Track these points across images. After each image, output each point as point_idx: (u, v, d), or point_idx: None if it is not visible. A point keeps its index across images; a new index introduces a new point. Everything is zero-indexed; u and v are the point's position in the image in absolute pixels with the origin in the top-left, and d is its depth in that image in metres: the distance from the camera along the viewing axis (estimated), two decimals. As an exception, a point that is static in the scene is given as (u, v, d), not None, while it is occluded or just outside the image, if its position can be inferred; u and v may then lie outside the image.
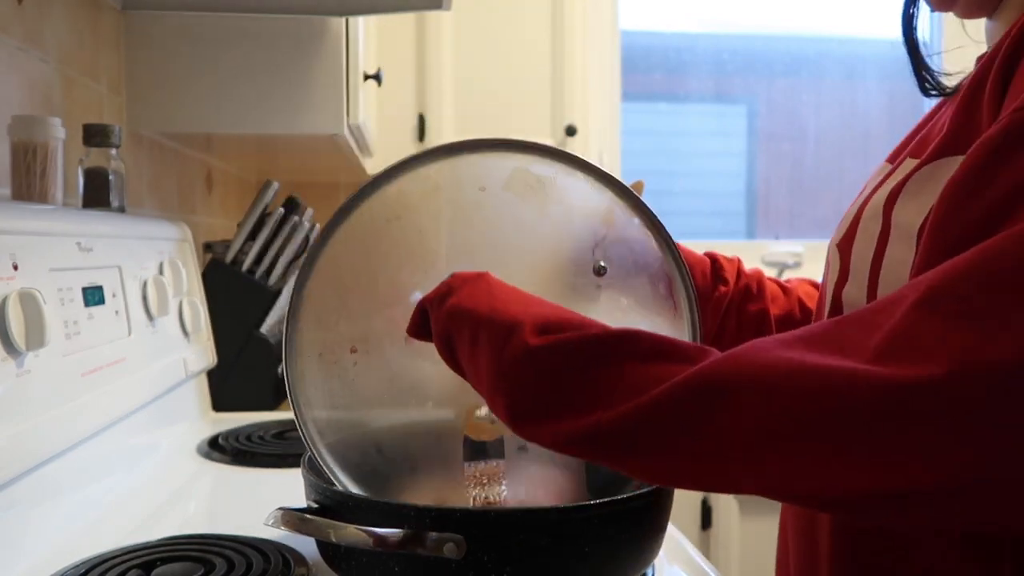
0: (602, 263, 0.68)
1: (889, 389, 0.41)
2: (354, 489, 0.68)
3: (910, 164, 0.59)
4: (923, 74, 0.67)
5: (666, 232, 0.68)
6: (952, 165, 0.52)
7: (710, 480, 0.49)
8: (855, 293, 0.60)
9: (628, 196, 0.68)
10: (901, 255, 0.56)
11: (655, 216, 0.68)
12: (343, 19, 1.35)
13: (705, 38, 2.60)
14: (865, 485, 0.43)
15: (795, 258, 2.36)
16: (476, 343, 0.56)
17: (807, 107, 2.69)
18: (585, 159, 0.68)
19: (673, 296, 0.69)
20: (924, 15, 0.68)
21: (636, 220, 0.68)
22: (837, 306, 0.63)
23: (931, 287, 0.43)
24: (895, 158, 0.65)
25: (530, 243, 0.69)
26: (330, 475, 0.68)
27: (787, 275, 2.21)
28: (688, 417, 0.46)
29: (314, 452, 0.68)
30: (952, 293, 0.43)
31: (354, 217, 0.68)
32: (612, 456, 0.50)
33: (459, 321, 0.58)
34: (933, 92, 0.66)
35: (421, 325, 0.62)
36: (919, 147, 0.60)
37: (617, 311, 0.68)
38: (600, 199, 0.68)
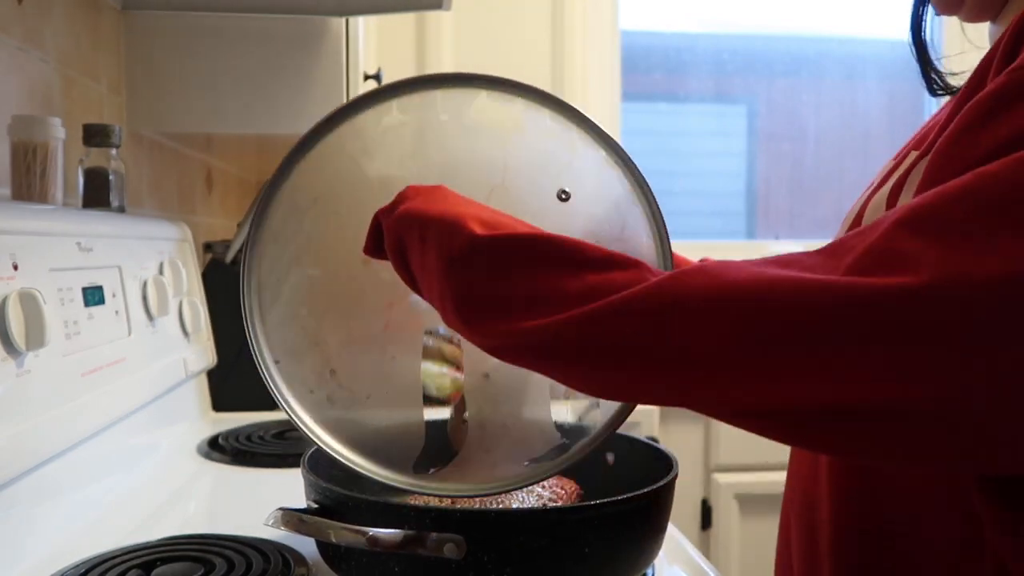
0: (566, 189, 0.66)
1: (863, 295, 0.40)
2: (307, 419, 0.67)
3: (912, 157, 0.59)
4: (931, 75, 0.67)
5: (634, 164, 0.66)
6: None
7: (660, 393, 0.48)
8: None
9: (594, 129, 0.66)
10: None
11: (623, 150, 0.66)
12: (343, 19, 1.35)
13: (705, 38, 2.60)
14: (829, 398, 0.41)
15: (795, 258, 2.36)
16: (425, 243, 0.55)
17: (807, 107, 2.69)
18: (549, 92, 0.67)
19: (641, 228, 0.67)
20: (930, 18, 0.68)
21: (602, 152, 0.66)
22: None
23: (913, 209, 0.42)
24: (898, 155, 0.66)
25: (491, 171, 0.67)
26: (283, 404, 0.67)
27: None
28: (645, 327, 0.45)
29: (270, 382, 0.67)
30: (937, 214, 0.42)
31: (315, 151, 0.67)
32: (559, 364, 0.50)
33: (409, 224, 0.57)
34: (941, 92, 0.66)
35: (376, 241, 0.61)
36: (921, 142, 0.61)
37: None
38: (565, 133, 0.67)
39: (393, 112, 0.68)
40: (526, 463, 0.66)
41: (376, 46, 1.87)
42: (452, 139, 0.68)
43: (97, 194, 1.00)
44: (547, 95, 0.66)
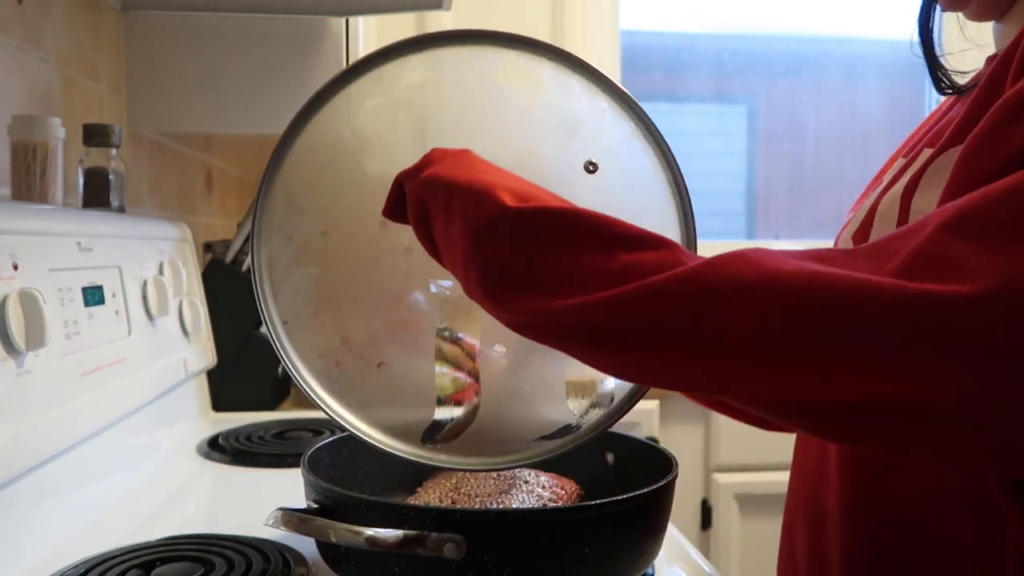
0: (593, 160, 0.64)
1: (916, 300, 0.39)
2: (314, 384, 0.66)
3: (927, 154, 0.58)
4: (938, 73, 0.66)
5: (663, 139, 0.65)
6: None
7: (692, 379, 0.47)
8: None
9: (624, 98, 0.65)
10: None
11: (653, 123, 0.65)
12: (343, 19, 1.35)
13: (705, 38, 2.60)
14: (874, 396, 0.41)
15: (795, 258, 2.36)
16: (450, 211, 0.53)
17: (807, 107, 2.69)
18: (581, 58, 0.65)
19: (667, 204, 0.66)
20: (937, 16, 0.68)
21: (632, 126, 0.65)
22: None
23: (959, 211, 0.42)
24: (909, 153, 0.65)
25: (516, 135, 0.65)
26: (290, 367, 0.66)
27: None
28: (682, 311, 0.44)
29: (279, 347, 0.66)
30: (984, 217, 0.41)
31: (331, 105, 0.66)
32: (587, 345, 0.48)
33: (434, 190, 0.55)
34: (948, 91, 0.66)
35: (397, 204, 0.59)
36: (935, 139, 0.60)
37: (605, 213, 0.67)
38: (594, 100, 0.65)
39: (418, 68, 0.66)
40: (535, 440, 0.66)
41: (376, 46, 1.87)
42: (478, 100, 0.66)
43: (97, 194, 1.00)
44: (579, 60, 0.64)
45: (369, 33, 1.66)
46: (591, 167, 0.64)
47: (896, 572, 0.59)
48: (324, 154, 0.66)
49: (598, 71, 0.65)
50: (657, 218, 0.65)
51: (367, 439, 0.67)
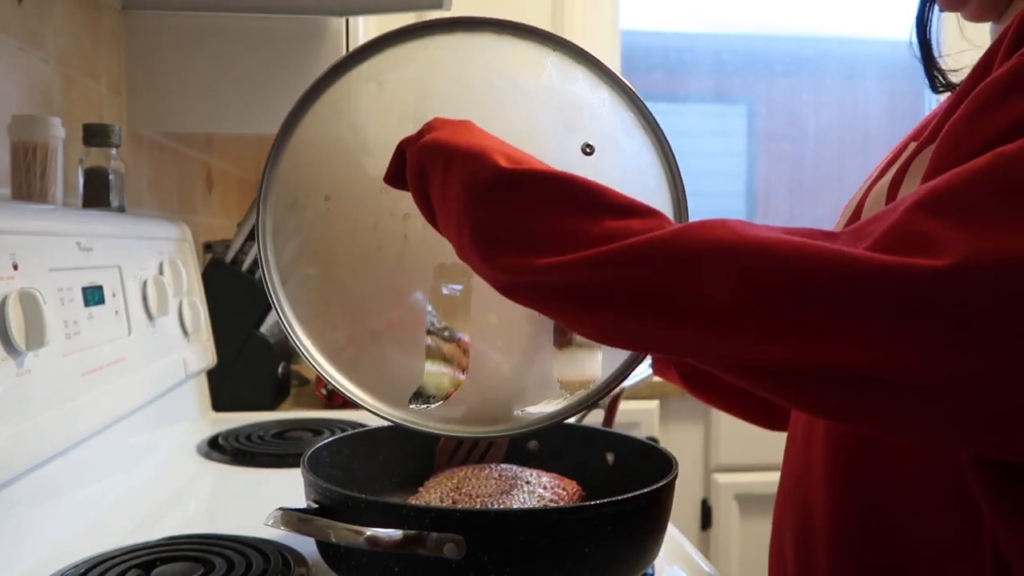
0: (590, 143, 0.66)
1: (889, 272, 0.40)
2: (311, 347, 0.68)
3: (912, 148, 0.59)
4: (933, 72, 0.67)
5: (661, 130, 0.67)
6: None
7: (668, 341, 0.48)
8: None
9: (625, 90, 0.67)
10: None
11: (650, 113, 0.67)
12: (343, 19, 1.35)
13: (705, 38, 2.60)
14: (842, 365, 0.42)
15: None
16: (448, 174, 0.55)
17: (807, 107, 2.69)
18: (584, 49, 0.67)
19: (661, 193, 0.68)
20: (935, 16, 0.68)
21: (632, 117, 0.67)
22: None
23: (933, 190, 0.42)
24: (898, 149, 0.66)
25: (518, 116, 0.67)
26: (285, 324, 0.68)
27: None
28: (660, 273, 0.45)
29: (275, 303, 0.68)
30: (957, 194, 0.42)
31: (338, 84, 0.68)
32: (569, 304, 0.50)
33: (433, 153, 0.57)
34: (943, 89, 0.67)
35: (398, 170, 0.61)
36: (920, 133, 0.61)
37: None
38: (595, 90, 0.67)
39: (420, 54, 0.68)
40: (520, 411, 0.68)
41: (376, 46, 1.87)
42: (481, 80, 0.68)
43: (97, 194, 1.00)
44: (583, 51, 0.66)
45: (369, 33, 1.66)
46: (588, 149, 0.66)
47: (883, 567, 0.60)
48: (324, 144, 0.68)
49: (600, 62, 0.66)
50: (650, 200, 0.67)
51: (358, 401, 0.69)
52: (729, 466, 1.96)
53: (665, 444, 0.78)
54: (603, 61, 0.67)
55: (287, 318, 0.69)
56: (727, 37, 2.62)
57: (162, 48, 1.31)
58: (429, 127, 0.60)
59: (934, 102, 2.52)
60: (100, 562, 0.66)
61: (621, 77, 0.67)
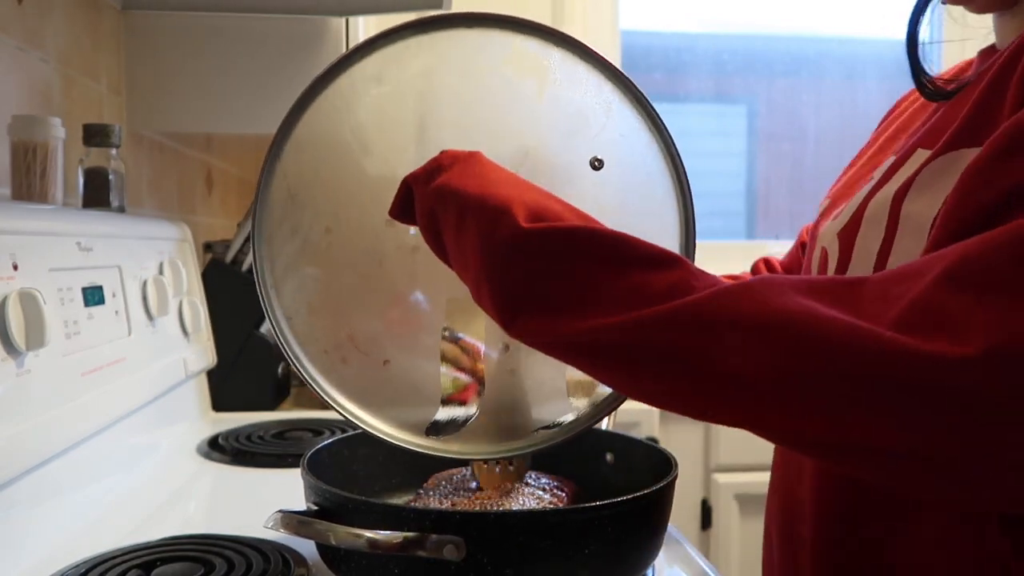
0: (599, 157, 0.64)
1: (916, 359, 0.40)
2: (317, 376, 0.67)
3: (922, 156, 0.58)
4: (923, 80, 0.67)
5: (668, 133, 0.65)
6: (967, 157, 0.52)
7: (695, 406, 0.48)
8: None
9: (631, 90, 0.65)
10: (910, 248, 0.55)
11: (658, 116, 0.65)
12: (343, 19, 1.35)
13: (705, 38, 2.60)
14: (864, 441, 0.42)
15: (795, 258, 2.36)
16: (463, 224, 0.53)
17: (807, 107, 2.69)
18: (588, 46, 0.64)
19: (669, 199, 0.66)
20: (927, 19, 0.67)
21: (637, 117, 0.65)
22: None
23: (959, 260, 0.42)
24: (902, 152, 0.64)
25: (523, 128, 0.65)
26: (295, 363, 0.66)
27: (787, 275, 2.21)
28: (690, 342, 0.45)
29: (283, 343, 0.66)
30: (982, 267, 0.41)
31: (332, 89, 0.65)
32: (599, 366, 0.49)
33: (446, 200, 0.55)
34: (935, 97, 0.66)
35: (404, 205, 0.59)
36: (930, 139, 0.59)
37: (609, 209, 0.63)
38: (600, 90, 0.65)
39: (421, 53, 0.65)
40: (536, 431, 0.68)
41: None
42: (484, 89, 0.65)
43: (97, 194, 1.00)
44: (586, 48, 0.64)
45: (369, 33, 1.66)
46: (597, 163, 0.64)
47: (867, 569, 0.60)
48: (323, 145, 0.66)
49: (605, 59, 0.65)
50: (659, 212, 0.65)
51: (373, 432, 0.67)
52: (729, 466, 1.96)
53: (665, 444, 0.78)
54: (608, 58, 0.65)
55: (296, 356, 0.66)
56: (727, 37, 2.62)
57: (162, 48, 1.30)
58: (437, 165, 0.57)
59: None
60: (100, 562, 0.66)
61: (626, 75, 0.65)
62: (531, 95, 0.65)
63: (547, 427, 0.68)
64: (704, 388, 0.46)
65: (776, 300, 0.44)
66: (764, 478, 2.03)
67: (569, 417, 0.68)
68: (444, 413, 0.68)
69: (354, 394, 0.68)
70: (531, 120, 0.65)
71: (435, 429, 0.67)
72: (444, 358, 0.67)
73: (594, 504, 0.59)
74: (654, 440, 0.95)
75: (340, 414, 0.67)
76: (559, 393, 0.67)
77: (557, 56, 0.65)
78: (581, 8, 2.25)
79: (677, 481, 0.67)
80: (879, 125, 0.78)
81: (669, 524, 0.69)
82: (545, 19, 2.24)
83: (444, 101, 0.66)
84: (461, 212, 0.54)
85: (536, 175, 0.59)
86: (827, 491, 0.62)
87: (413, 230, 0.62)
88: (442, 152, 0.58)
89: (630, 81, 0.65)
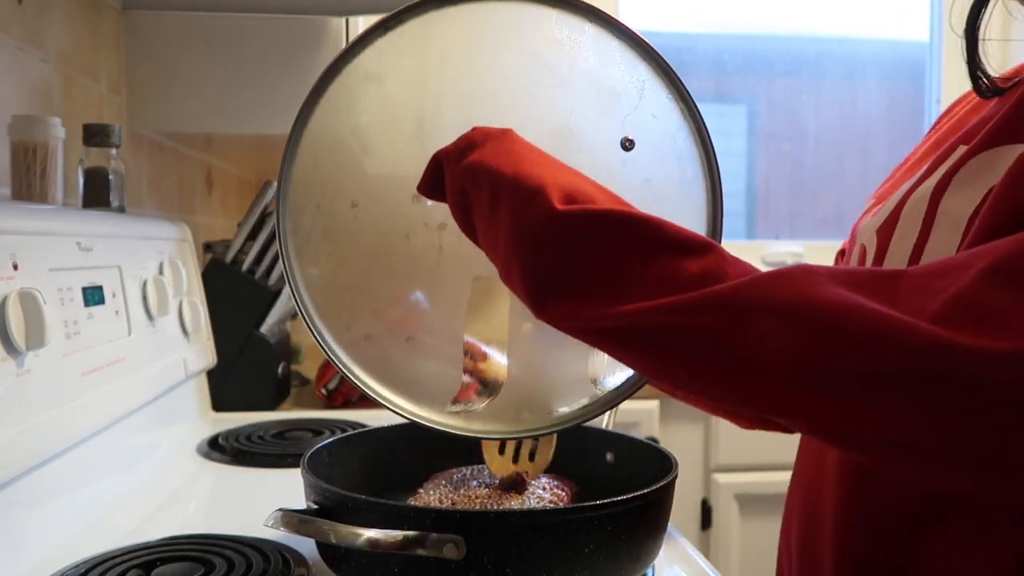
0: (630, 137, 0.63)
1: (956, 352, 0.39)
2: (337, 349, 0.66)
3: (961, 152, 0.57)
4: (978, 76, 0.63)
5: (700, 114, 0.64)
6: (1008, 153, 0.51)
7: (727, 394, 0.48)
8: None
9: (665, 70, 0.63)
10: (945, 243, 0.54)
11: (690, 97, 0.64)
12: (343, 19, 1.35)
13: (705, 38, 2.60)
14: (896, 436, 0.42)
15: (795, 258, 2.36)
16: (496, 204, 0.52)
17: (807, 107, 2.69)
18: (622, 23, 0.63)
19: (698, 183, 0.65)
20: (988, 13, 0.63)
21: (670, 98, 0.63)
22: None
23: (1003, 255, 0.42)
24: (939, 146, 0.62)
25: (554, 105, 0.63)
26: (317, 337, 0.66)
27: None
28: (726, 328, 0.44)
29: (305, 317, 0.65)
30: None
31: (359, 61, 0.64)
32: (628, 351, 0.49)
33: (479, 178, 0.54)
34: (989, 93, 0.63)
35: (434, 182, 0.58)
36: (969, 136, 0.58)
37: (638, 190, 0.62)
38: (634, 68, 0.63)
39: (454, 25, 0.63)
40: (556, 411, 0.67)
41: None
42: (517, 65, 0.64)
43: (97, 194, 1.00)
44: (620, 24, 0.63)
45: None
46: (628, 144, 0.63)
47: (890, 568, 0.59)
48: (352, 117, 0.65)
49: (639, 36, 0.63)
50: (687, 194, 0.65)
51: (394, 409, 0.67)
52: (729, 466, 1.96)
53: (665, 444, 0.78)
54: (642, 36, 0.63)
55: (318, 330, 0.66)
56: (727, 37, 2.62)
57: (162, 48, 1.31)
58: (469, 142, 0.56)
59: (934, 102, 2.52)
60: (100, 562, 0.66)
61: (660, 54, 0.63)
62: (563, 71, 0.64)
63: (567, 409, 0.68)
64: (736, 375, 0.45)
65: (813, 289, 0.43)
66: (764, 478, 2.03)
67: (589, 399, 0.68)
68: (465, 393, 0.67)
69: (376, 370, 0.67)
70: (562, 97, 0.64)
71: (455, 406, 0.67)
72: (468, 337, 0.67)
73: (594, 504, 0.59)
74: (654, 440, 0.95)
75: (360, 389, 0.67)
76: (581, 375, 0.67)
77: (590, 32, 0.63)
78: (581, 8, 2.25)
79: (677, 481, 0.67)
80: (930, 129, 0.77)
81: (669, 524, 0.69)
82: (545, 19, 2.24)
83: (475, 75, 0.64)
84: (494, 191, 0.53)
85: (566, 154, 0.58)
86: (849, 497, 0.61)
87: (440, 210, 0.61)
88: (474, 128, 0.57)
89: (664, 60, 0.63)
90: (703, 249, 0.49)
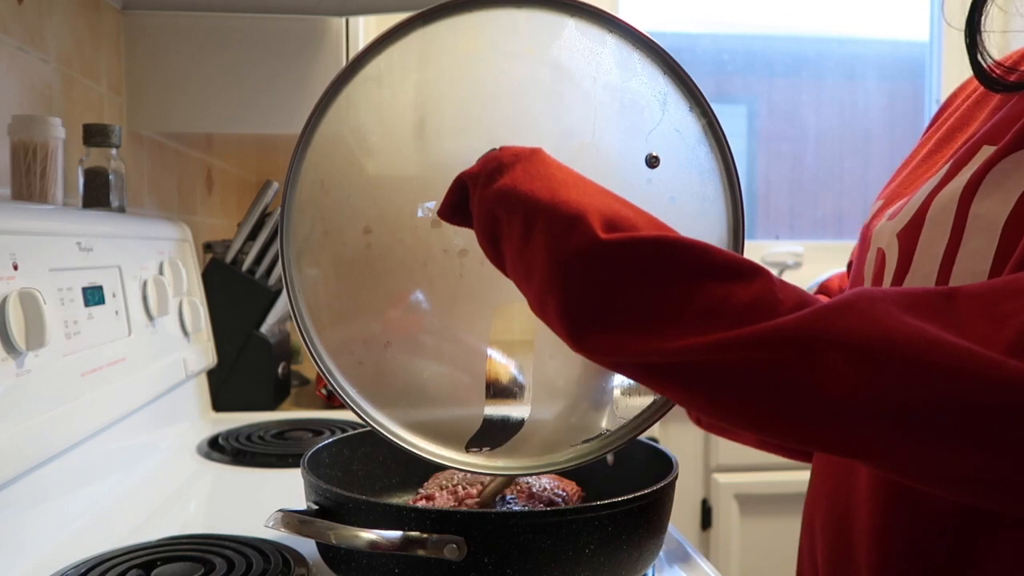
0: (655, 154, 0.60)
1: None
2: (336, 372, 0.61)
3: (987, 153, 0.55)
4: (984, 70, 0.60)
5: (721, 128, 0.61)
6: None
7: (797, 433, 0.45)
8: (920, 286, 0.56)
9: (685, 81, 0.61)
10: (980, 248, 0.52)
11: (711, 109, 0.61)
12: (343, 19, 1.35)
13: (705, 38, 2.60)
14: (988, 473, 0.40)
15: (795, 258, 2.36)
16: (531, 231, 0.49)
17: (807, 107, 2.69)
18: (643, 32, 0.60)
19: (719, 199, 0.62)
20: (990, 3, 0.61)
21: (691, 110, 0.61)
22: None
23: None
24: (961, 146, 0.60)
25: (577, 120, 0.60)
26: (327, 375, 0.61)
27: (787, 275, 2.21)
28: (796, 367, 0.42)
29: (311, 347, 0.61)
30: None
31: (368, 70, 0.59)
32: (682, 387, 0.46)
33: (511, 204, 0.50)
34: (1000, 88, 0.60)
35: (457, 206, 0.55)
36: (995, 135, 0.56)
37: (664, 209, 0.58)
38: (656, 81, 0.61)
39: (471, 34, 0.59)
40: (579, 443, 0.64)
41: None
42: (539, 77, 0.61)
43: (97, 194, 1.00)
44: (640, 34, 0.60)
45: (369, 33, 1.66)
46: (653, 161, 0.61)
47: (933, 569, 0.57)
48: (359, 137, 0.60)
49: (660, 47, 0.61)
50: (709, 212, 0.62)
51: (412, 449, 0.63)
52: (729, 466, 1.96)
53: (665, 444, 0.78)
54: (662, 46, 0.61)
55: (327, 367, 0.62)
56: (727, 37, 2.62)
57: (162, 48, 1.31)
58: (497, 163, 0.52)
59: (934, 103, 2.52)
60: (100, 562, 0.66)
61: (681, 66, 0.61)
62: (587, 84, 0.60)
63: (590, 439, 0.64)
64: (805, 413, 0.43)
65: (884, 320, 0.41)
66: (764, 478, 2.03)
67: (613, 427, 0.64)
68: (486, 426, 0.64)
69: (394, 410, 0.63)
70: (585, 111, 0.61)
71: (476, 442, 0.64)
72: (489, 369, 0.63)
73: (594, 504, 0.59)
74: (654, 440, 0.95)
75: (381, 435, 0.63)
76: (604, 404, 0.64)
77: (611, 43, 0.60)
78: (581, 8, 2.25)
79: (677, 481, 0.67)
80: (930, 125, 0.75)
81: (669, 524, 0.69)
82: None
83: (492, 89, 0.61)
84: (529, 218, 0.50)
85: (592, 172, 0.55)
86: (888, 514, 0.58)
87: (462, 236, 0.57)
88: (502, 149, 0.54)
89: (684, 71, 0.61)
90: (752, 274, 0.46)
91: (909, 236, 0.59)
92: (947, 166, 0.59)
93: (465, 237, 0.57)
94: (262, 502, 0.67)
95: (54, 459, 0.72)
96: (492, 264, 0.54)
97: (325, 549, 0.64)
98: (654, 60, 0.61)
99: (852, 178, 2.64)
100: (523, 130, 0.59)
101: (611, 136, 0.61)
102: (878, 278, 0.62)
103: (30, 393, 0.68)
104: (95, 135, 1.00)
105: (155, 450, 0.99)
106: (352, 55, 0.60)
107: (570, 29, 0.60)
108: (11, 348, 0.65)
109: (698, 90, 0.61)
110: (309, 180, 0.61)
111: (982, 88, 0.65)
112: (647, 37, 0.60)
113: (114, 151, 1.01)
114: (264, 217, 1.40)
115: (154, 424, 1.00)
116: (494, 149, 0.56)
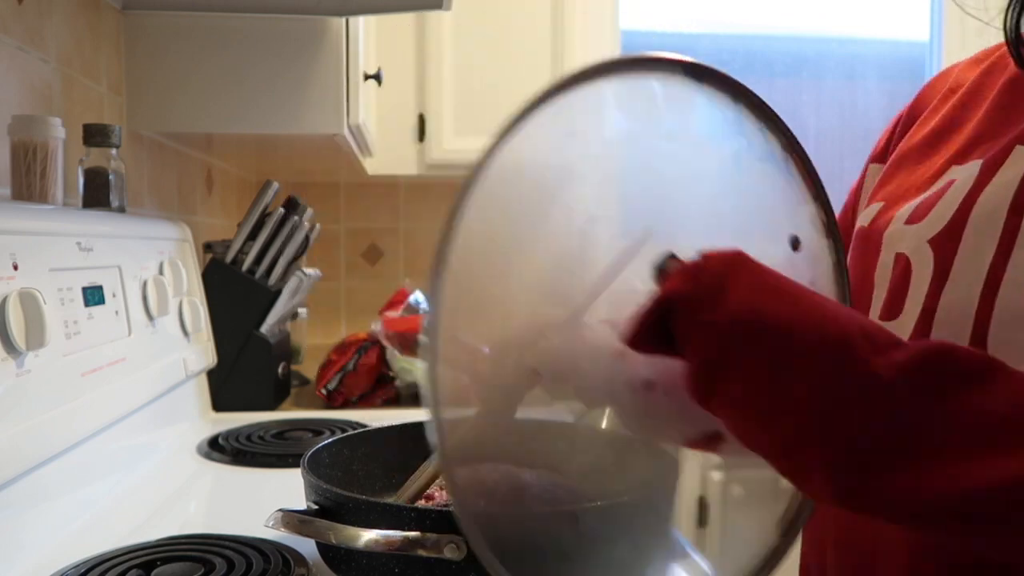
0: (796, 236, 0.53)
1: None
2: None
3: (1022, 152, 0.52)
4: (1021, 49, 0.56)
5: (827, 199, 0.55)
6: None
7: None
8: (962, 298, 0.53)
9: (804, 162, 0.55)
10: None
11: (821, 183, 0.55)
12: (343, 19, 1.35)
13: (705, 38, 2.60)
14: None
15: (795, 258, 2.36)
16: (782, 366, 0.41)
17: (807, 107, 2.69)
18: (777, 113, 0.53)
19: (831, 280, 0.55)
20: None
21: (806, 184, 0.54)
22: (930, 311, 0.55)
23: None
24: (999, 149, 0.56)
25: (730, 212, 0.53)
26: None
27: (787, 275, 2.21)
28: None
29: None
30: None
31: (494, 170, 0.40)
32: (998, 528, 0.39)
33: (755, 333, 0.41)
34: None
35: (653, 331, 0.44)
36: None
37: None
38: (788, 163, 0.54)
39: (614, 109, 0.50)
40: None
41: (376, 46, 1.87)
42: (687, 158, 0.53)
43: (97, 194, 1.00)
44: (774, 114, 0.54)
45: (369, 33, 1.66)
46: (795, 243, 0.53)
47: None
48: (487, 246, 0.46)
49: (788, 129, 0.55)
50: (829, 291, 0.55)
51: None
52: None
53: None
54: (790, 128, 0.55)
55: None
56: (727, 37, 2.62)
57: (162, 48, 1.31)
58: (713, 276, 0.43)
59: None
60: (100, 562, 0.66)
61: (802, 148, 0.55)
62: (728, 169, 0.54)
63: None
64: None
65: None
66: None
67: (767, 548, 0.57)
68: None
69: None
70: (738, 199, 0.54)
71: None
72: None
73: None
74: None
75: None
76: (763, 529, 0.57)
77: (750, 127, 0.54)
78: (582, 7, 2.25)
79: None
80: (899, 123, 0.72)
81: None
82: (545, 19, 2.24)
83: (659, 173, 0.52)
84: (780, 352, 0.41)
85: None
86: (922, 544, 0.54)
87: (645, 364, 0.46)
88: (704, 256, 0.44)
89: (805, 154, 0.55)
90: (990, 372, 0.41)
91: (945, 245, 0.55)
92: (975, 167, 0.56)
93: (650, 366, 0.46)
94: (262, 502, 0.67)
95: (54, 459, 0.72)
96: (699, 403, 0.45)
97: (325, 549, 0.64)
98: (779, 139, 0.55)
99: (852, 178, 2.63)
100: (701, 223, 0.51)
101: (758, 220, 0.54)
102: (900, 286, 0.59)
103: (30, 393, 0.68)
104: (95, 135, 1.00)
105: (155, 450, 0.99)
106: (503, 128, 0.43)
107: (700, 100, 0.53)
108: (11, 348, 0.65)
109: (812, 166, 0.55)
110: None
111: (966, 85, 0.64)
112: (777, 116, 0.55)
113: (114, 151, 1.01)
114: (264, 217, 1.40)
115: (154, 424, 1.00)
116: (673, 256, 0.46)
